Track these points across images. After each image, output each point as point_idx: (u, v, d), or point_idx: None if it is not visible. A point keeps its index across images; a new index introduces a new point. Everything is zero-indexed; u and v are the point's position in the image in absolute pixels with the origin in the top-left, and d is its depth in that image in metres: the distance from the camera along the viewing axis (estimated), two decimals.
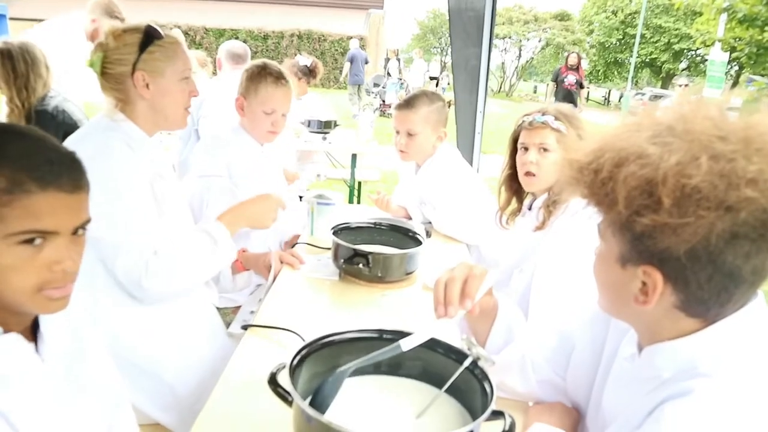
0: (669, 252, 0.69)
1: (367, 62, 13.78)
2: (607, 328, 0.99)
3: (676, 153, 0.67)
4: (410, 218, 2.33)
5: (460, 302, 0.96)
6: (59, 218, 0.80)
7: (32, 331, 0.88)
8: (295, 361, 0.90)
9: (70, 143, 1.49)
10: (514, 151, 1.84)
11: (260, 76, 2.01)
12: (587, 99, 11.29)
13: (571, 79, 9.03)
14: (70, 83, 2.95)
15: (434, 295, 0.99)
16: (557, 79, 9.26)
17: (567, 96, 8.91)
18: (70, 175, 0.82)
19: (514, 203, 1.92)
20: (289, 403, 0.88)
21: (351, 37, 16.96)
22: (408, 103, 2.29)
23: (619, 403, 0.87)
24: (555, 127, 1.72)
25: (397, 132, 2.33)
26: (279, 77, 2.02)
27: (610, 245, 0.77)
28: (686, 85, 6.80)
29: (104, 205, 1.38)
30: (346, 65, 13.56)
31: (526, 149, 1.77)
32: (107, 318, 1.46)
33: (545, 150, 1.73)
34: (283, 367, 0.90)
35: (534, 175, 1.76)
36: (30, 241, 0.78)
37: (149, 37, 1.50)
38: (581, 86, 9.28)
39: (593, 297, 0.87)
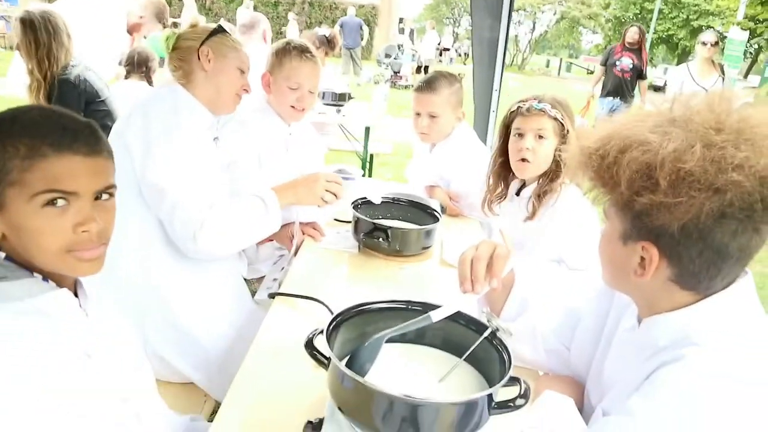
0: (664, 229, 0.78)
1: (361, 29, 14.34)
2: (610, 304, 1.08)
3: (675, 141, 0.76)
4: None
5: (487, 280, 1.05)
6: (77, 180, 0.86)
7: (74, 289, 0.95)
8: (330, 327, 0.98)
9: (140, 104, 1.61)
10: (506, 138, 1.84)
11: (285, 50, 2.00)
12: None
13: (626, 63, 6.13)
14: (93, 57, 2.99)
15: (460, 271, 1.07)
16: (606, 62, 6.30)
17: (618, 87, 6.15)
18: (85, 140, 0.88)
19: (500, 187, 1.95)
20: (325, 366, 0.97)
21: (362, 6, 16.83)
22: (429, 86, 2.27)
23: (619, 371, 0.96)
24: (552, 115, 1.75)
25: (418, 114, 2.33)
26: (304, 51, 2.00)
27: (613, 224, 0.87)
28: (715, 44, 5.00)
29: (171, 158, 1.50)
30: (336, 28, 13.57)
31: (521, 135, 1.77)
32: (158, 283, 1.57)
33: (541, 137, 1.75)
34: (320, 332, 0.98)
35: (528, 161, 1.77)
36: (53, 203, 0.84)
37: (220, 29, 1.72)
38: (640, 75, 6.22)
39: (594, 275, 0.96)
